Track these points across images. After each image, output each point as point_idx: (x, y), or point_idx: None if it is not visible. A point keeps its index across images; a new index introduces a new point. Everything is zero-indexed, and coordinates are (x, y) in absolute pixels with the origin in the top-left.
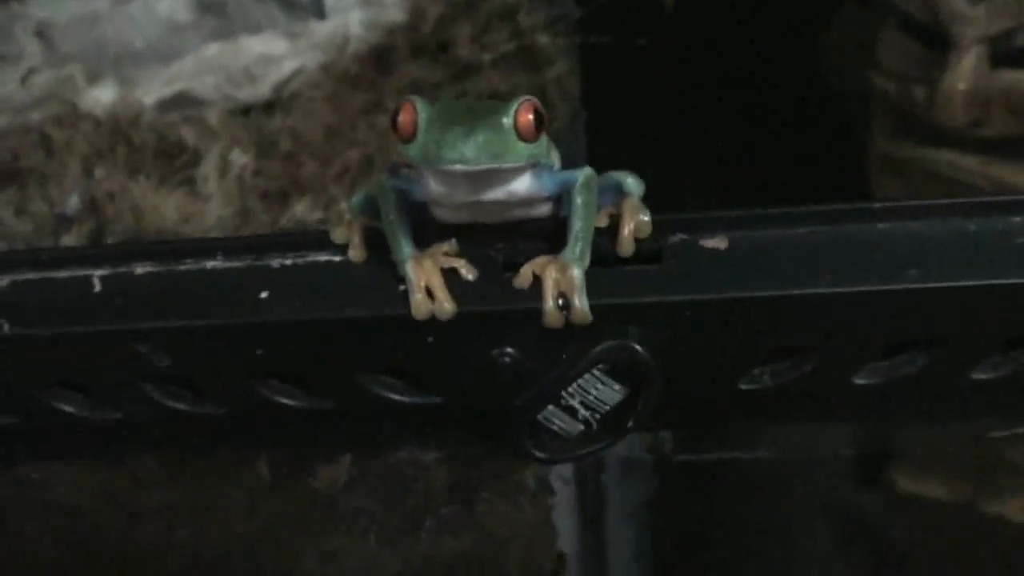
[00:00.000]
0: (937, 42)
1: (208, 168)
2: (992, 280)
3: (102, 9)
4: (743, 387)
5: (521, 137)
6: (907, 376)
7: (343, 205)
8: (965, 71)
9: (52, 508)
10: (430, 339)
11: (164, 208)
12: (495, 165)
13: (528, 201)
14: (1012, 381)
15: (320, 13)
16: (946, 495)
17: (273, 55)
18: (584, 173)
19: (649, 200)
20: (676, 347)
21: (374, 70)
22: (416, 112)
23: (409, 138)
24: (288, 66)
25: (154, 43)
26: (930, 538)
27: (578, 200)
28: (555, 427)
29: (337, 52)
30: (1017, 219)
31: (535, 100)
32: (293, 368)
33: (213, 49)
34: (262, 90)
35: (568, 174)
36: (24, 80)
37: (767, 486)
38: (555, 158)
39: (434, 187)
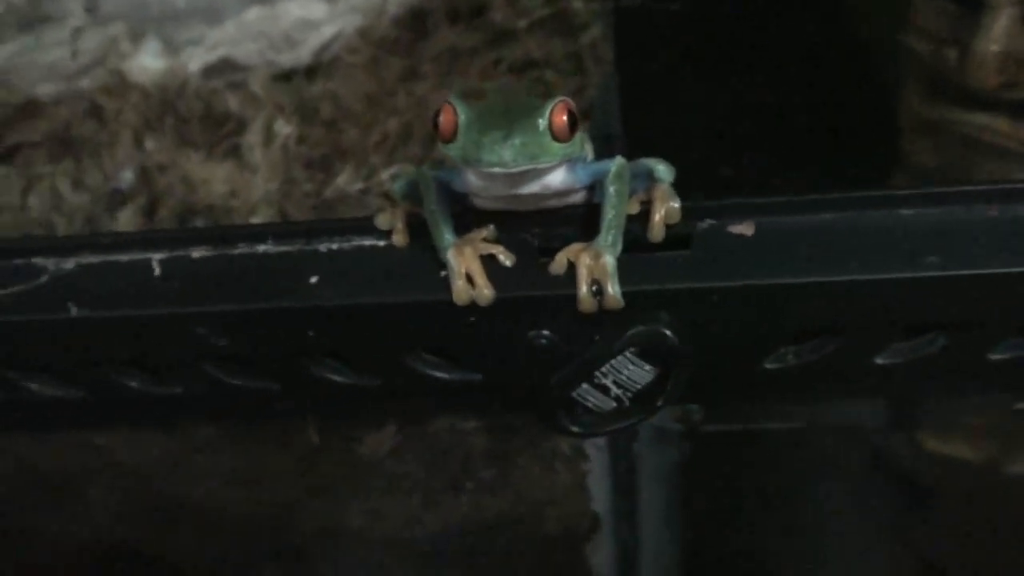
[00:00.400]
0: (970, 3)
1: (253, 137)
2: (1009, 268)
3: None
4: (768, 366)
5: (555, 137)
6: (927, 357)
7: (387, 184)
8: (997, 33)
9: (118, 471)
10: (471, 321)
11: (213, 181)
12: (531, 166)
13: (563, 193)
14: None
15: None
16: (972, 455)
17: (312, 19)
18: (616, 163)
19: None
20: (705, 330)
21: (411, 35)
22: (456, 114)
23: (449, 139)
24: (327, 31)
25: (195, 1)
26: (957, 496)
27: (610, 189)
28: (589, 403)
29: (375, 16)
30: None
31: (568, 100)
32: (341, 348)
33: (253, 14)
34: (303, 55)
35: (600, 165)
36: (71, 42)
37: (792, 453)
38: (588, 150)
39: (473, 181)
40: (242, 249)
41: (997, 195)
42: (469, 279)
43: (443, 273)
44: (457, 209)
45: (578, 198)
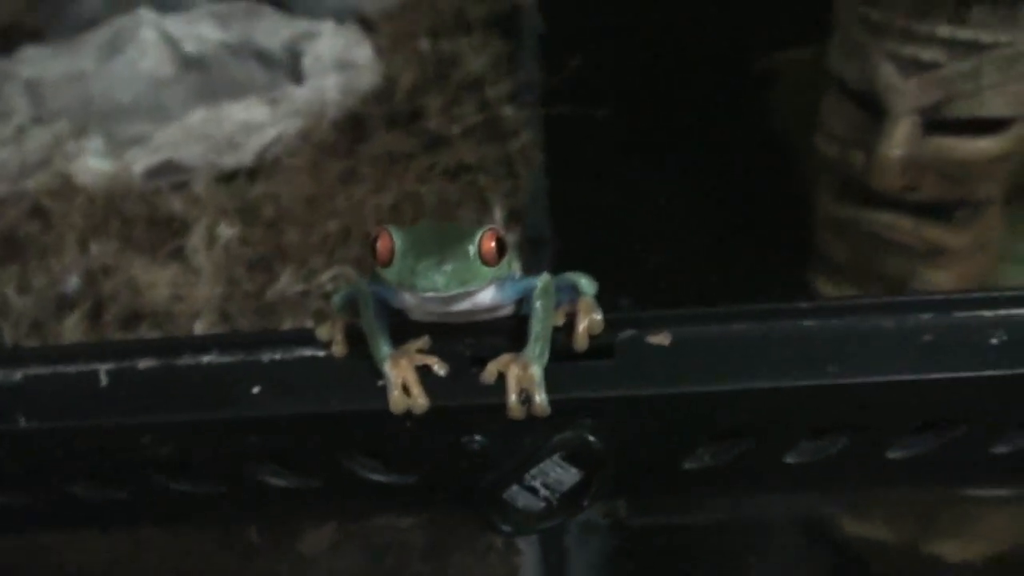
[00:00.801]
0: (874, 111)
1: (196, 240)
2: (901, 376)
3: (88, 67)
4: (687, 466)
5: (485, 262)
6: (831, 456)
7: (334, 300)
8: (899, 139)
9: (61, 572)
10: (407, 428)
11: (158, 286)
12: (462, 290)
13: (492, 309)
14: (923, 458)
15: (297, 73)
16: (891, 537)
17: (254, 122)
18: (542, 280)
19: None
20: (626, 434)
21: (350, 138)
22: (392, 241)
23: (386, 263)
24: (269, 133)
25: (139, 98)
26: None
27: (537, 304)
28: (519, 504)
29: (315, 119)
30: (926, 316)
31: (497, 228)
32: (283, 453)
33: (197, 116)
34: (245, 157)
35: (527, 281)
36: (15, 141)
37: (715, 543)
38: (516, 268)
39: (408, 300)
40: (187, 360)
41: (891, 307)
42: (405, 389)
43: (380, 383)
44: (393, 320)
45: (506, 311)
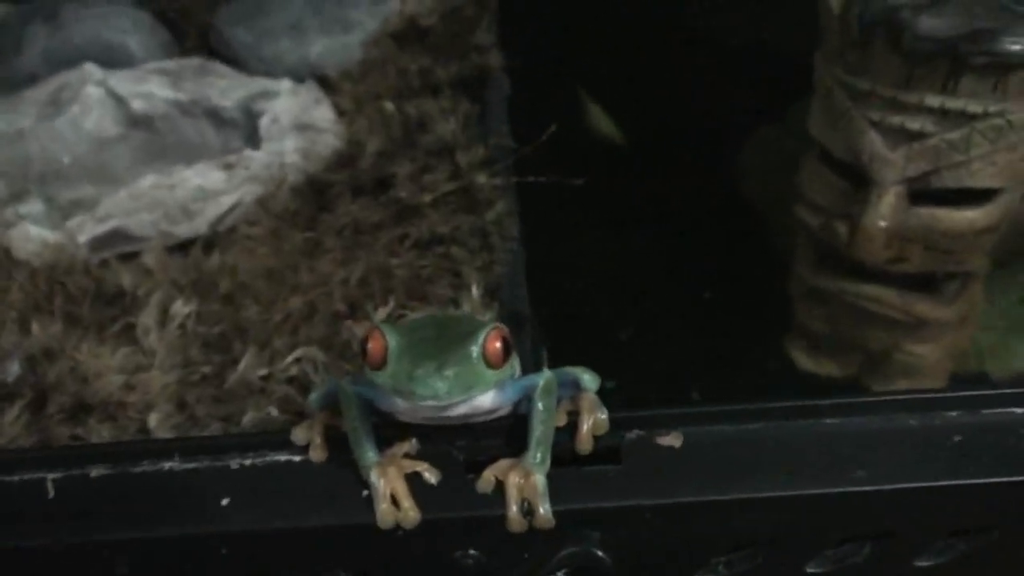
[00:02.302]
0: (858, 180)
1: (148, 319)
2: (933, 481)
3: (27, 126)
4: None
5: (489, 365)
6: (854, 565)
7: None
8: (885, 210)
9: None
10: (393, 544)
11: (107, 373)
12: (464, 397)
13: (491, 411)
14: (951, 567)
15: (253, 134)
16: None
17: (209, 188)
18: (544, 378)
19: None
20: (636, 548)
21: (313, 208)
22: (385, 340)
23: (379, 366)
24: (225, 201)
25: (82, 159)
26: None
27: (539, 405)
28: None
29: (275, 185)
30: (954, 414)
31: (502, 327)
32: (254, 571)
33: (147, 181)
34: (199, 226)
35: (528, 380)
36: None
37: None
38: (516, 367)
39: (400, 405)
40: (146, 467)
41: (916, 405)
42: (394, 501)
43: (365, 493)
44: (377, 420)
45: (504, 411)
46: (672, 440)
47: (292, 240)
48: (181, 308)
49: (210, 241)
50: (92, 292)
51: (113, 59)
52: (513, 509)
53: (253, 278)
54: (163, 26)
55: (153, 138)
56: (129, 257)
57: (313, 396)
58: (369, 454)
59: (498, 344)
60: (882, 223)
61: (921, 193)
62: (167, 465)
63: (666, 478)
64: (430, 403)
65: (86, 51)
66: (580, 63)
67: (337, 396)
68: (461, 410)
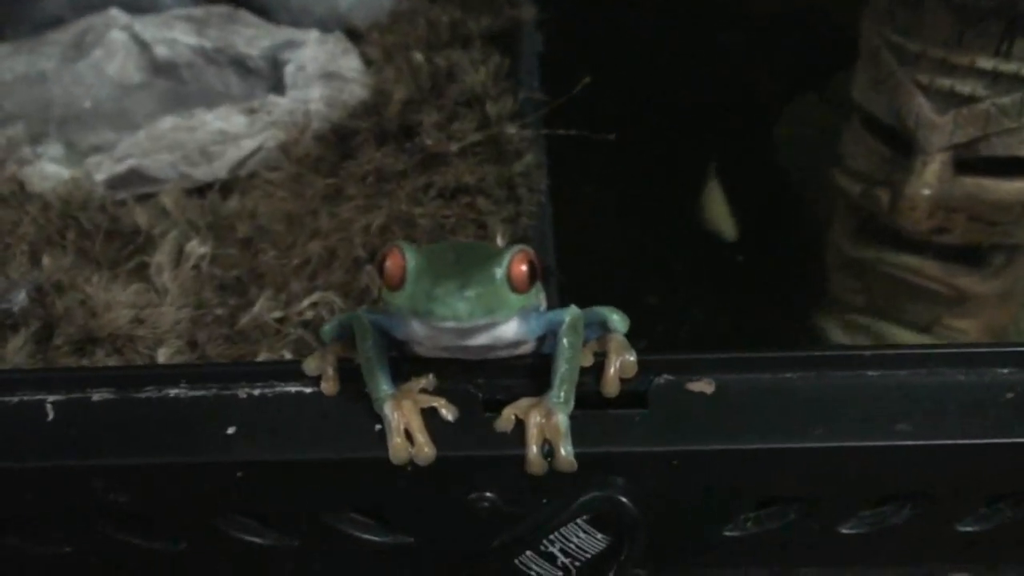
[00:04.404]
0: (902, 146)
1: (162, 257)
2: (981, 439)
3: (49, 68)
4: (727, 534)
5: (514, 289)
6: (893, 527)
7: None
8: (930, 177)
9: None
10: (405, 482)
11: (116, 307)
12: (488, 320)
13: (514, 344)
14: (995, 533)
15: (279, 84)
16: None
17: (230, 132)
18: (571, 314)
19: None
20: (662, 497)
21: (336, 154)
22: (404, 260)
23: (397, 286)
24: (247, 145)
25: (103, 104)
26: None
27: (564, 341)
28: (532, 573)
29: (298, 131)
30: (1007, 370)
31: (528, 250)
32: (259, 507)
33: (167, 123)
34: (219, 170)
35: (555, 314)
36: None
37: None
38: (542, 298)
39: (418, 331)
40: (150, 393)
41: (966, 359)
42: (408, 435)
43: (378, 427)
44: (393, 354)
45: (527, 348)
46: (704, 386)
47: (314, 186)
48: (196, 248)
49: (229, 185)
50: (106, 228)
51: (139, 5)
52: (533, 449)
53: (272, 222)
54: None
55: (176, 86)
56: (146, 198)
57: (327, 327)
58: (383, 386)
59: (524, 267)
60: (926, 191)
61: (968, 161)
62: (172, 392)
63: (695, 424)
64: (450, 324)
65: None
66: (615, 22)
67: (352, 328)
68: (482, 339)
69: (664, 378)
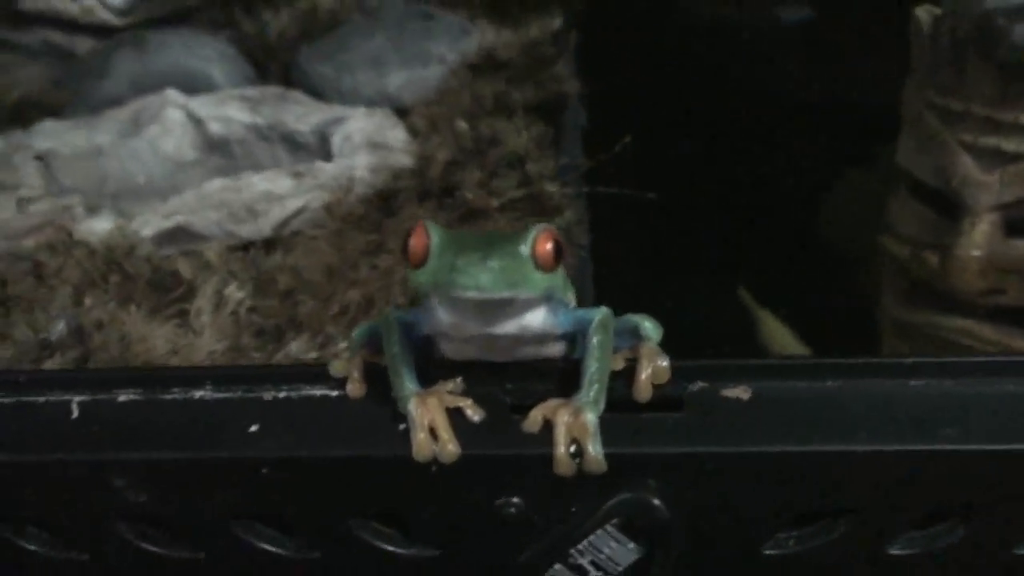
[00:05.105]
0: (950, 209)
1: (202, 302)
2: None
3: (105, 143)
4: (767, 552)
5: (539, 266)
6: (946, 548)
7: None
8: (979, 238)
9: None
10: (429, 484)
11: (153, 338)
12: (511, 295)
13: (541, 337)
14: None
15: (326, 155)
16: None
17: (276, 192)
18: (601, 312)
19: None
20: (697, 503)
21: (379, 211)
22: (428, 236)
23: (420, 263)
24: (291, 204)
25: (156, 180)
26: None
27: (594, 340)
28: None
29: (342, 192)
30: None
31: (554, 229)
32: (279, 510)
33: (215, 185)
34: (264, 227)
35: (584, 312)
36: (20, 206)
37: None
38: (571, 296)
39: (443, 318)
40: (176, 395)
41: (1013, 368)
42: (432, 433)
43: (402, 427)
44: (423, 359)
45: (557, 350)
46: (740, 393)
47: (355, 241)
48: (235, 293)
49: (273, 242)
50: (148, 277)
51: (195, 86)
52: (561, 449)
53: (313, 274)
54: (246, 60)
55: (228, 161)
56: (190, 253)
57: (356, 332)
58: (408, 384)
59: (549, 245)
60: (976, 252)
61: (1018, 222)
62: (198, 394)
63: (732, 427)
64: (472, 295)
65: (170, 77)
66: (659, 96)
67: (380, 334)
68: (508, 327)
69: (699, 385)
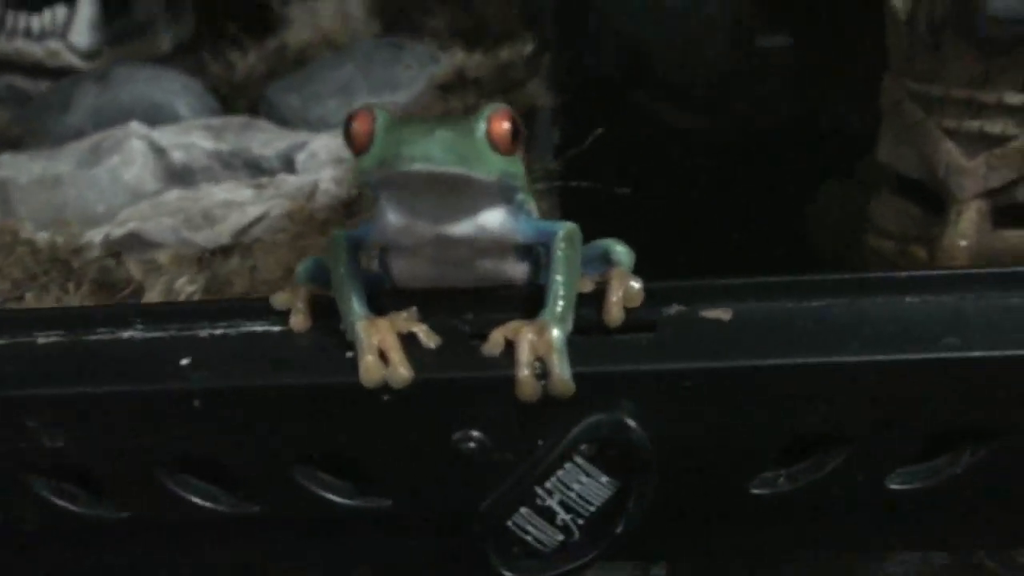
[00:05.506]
0: (935, 200)
1: (152, 296)
2: None
3: (64, 172)
4: (755, 491)
5: (494, 146)
6: (951, 479)
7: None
8: (966, 227)
9: None
10: (379, 419)
11: None
12: (462, 171)
13: (500, 245)
14: None
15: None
16: None
17: (236, 201)
18: (567, 226)
19: None
20: (675, 431)
21: (342, 216)
22: (374, 118)
23: (364, 147)
24: (252, 211)
25: (116, 208)
26: None
27: (559, 253)
28: (529, 537)
29: (304, 200)
30: None
31: (510, 109)
32: (212, 455)
33: (172, 195)
34: (222, 234)
35: (548, 223)
36: None
37: None
38: (532, 205)
39: (392, 219)
40: (101, 335)
41: (1015, 280)
42: (383, 358)
43: (349, 355)
44: (373, 291)
45: (518, 272)
46: (720, 314)
47: (316, 243)
48: (187, 287)
49: (230, 249)
50: (95, 274)
51: (160, 119)
52: (524, 371)
53: (270, 273)
54: (212, 96)
55: (189, 185)
56: (143, 258)
57: (301, 266)
58: (357, 307)
59: (506, 124)
60: (963, 242)
61: (1006, 210)
62: (126, 334)
63: (710, 345)
64: (420, 167)
65: (133, 110)
66: (633, 107)
67: (327, 267)
68: (464, 228)
69: (675, 308)
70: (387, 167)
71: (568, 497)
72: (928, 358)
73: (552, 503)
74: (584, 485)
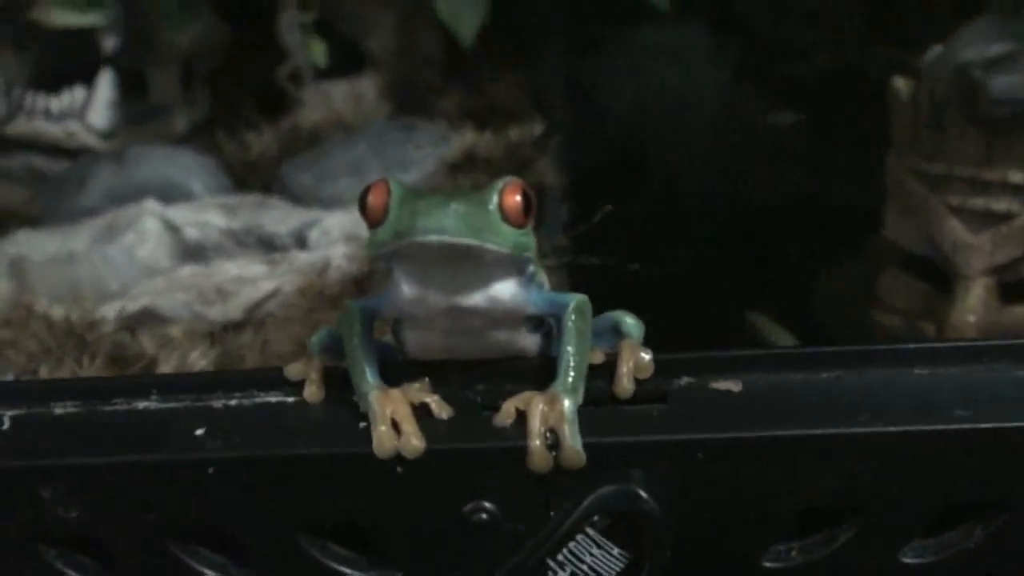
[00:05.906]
0: (942, 277)
1: (165, 371)
2: None
3: (79, 249)
4: (767, 565)
5: (507, 218)
6: (965, 552)
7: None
8: (974, 302)
9: None
10: (391, 489)
11: None
12: (476, 242)
13: (513, 316)
14: None
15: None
16: None
17: (248, 276)
18: (577, 298)
19: None
20: (687, 501)
21: (354, 290)
22: (389, 190)
23: (379, 219)
24: (264, 287)
25: (130, 286)
26: None
27: (570, 324)
28: None
29: (316, 276)
30: None
31: (523, 181)
32: (222, 524)
33: (186, 270)
34: (234, 310)
35: (559, 295)
36: None
37: None
38: (543, 278)
39: (406, 290)
40: (117, 406)
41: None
42: (395, 428)
43: (362, 425)
44: (387, 362)
45: (530, 343)
46: (730, 385)
47: (328, 317)
48: (199, 360)
49: (243, 324)
50: (109, 349)
51: (174, 197)
52: (535, 441)
53: (281, 347)
54: (226, 174)
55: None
56: (157, 333)
57: (315, 337)
58: (369, 378)
59: (517, 197)
60: (971, 317)
61: (1013, 286)
62: (142, 404)
63: (721, 416)
64: (434, 238)
65: (149, 188)
66: (640, 183)
67: (340, 338)
68: (477, 299)
69: (685, 379)
70: (402, 238)
71: (580, 570)
72: (939, 429)
73: (564, 575)
74: (596, 557)
